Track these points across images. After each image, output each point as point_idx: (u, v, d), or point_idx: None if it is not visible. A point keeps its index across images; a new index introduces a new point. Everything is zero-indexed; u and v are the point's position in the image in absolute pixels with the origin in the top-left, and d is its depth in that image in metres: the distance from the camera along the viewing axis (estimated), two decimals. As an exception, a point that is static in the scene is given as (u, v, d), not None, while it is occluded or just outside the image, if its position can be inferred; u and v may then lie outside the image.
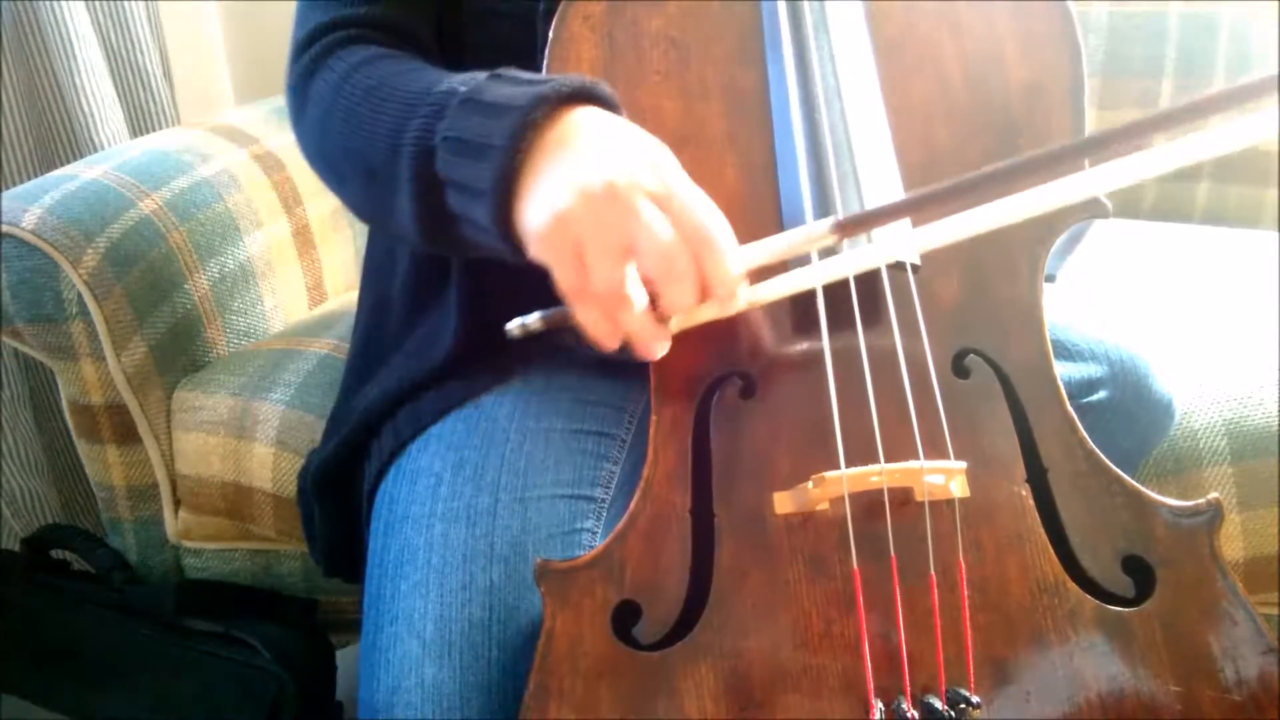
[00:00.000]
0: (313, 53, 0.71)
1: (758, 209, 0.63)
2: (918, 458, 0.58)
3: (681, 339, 0.61)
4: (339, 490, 0.80)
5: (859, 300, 0.60)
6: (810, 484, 0.57)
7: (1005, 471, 0.61)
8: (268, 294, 1.14)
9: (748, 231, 0.62)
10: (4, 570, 1.02)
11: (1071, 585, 0.59)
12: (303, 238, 1.21)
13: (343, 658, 1.02)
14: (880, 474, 0.57)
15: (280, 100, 1.31)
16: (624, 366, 0.84)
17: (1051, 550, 0.60)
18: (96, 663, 0.95)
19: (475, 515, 0.67)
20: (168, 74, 1.34)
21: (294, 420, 0.96)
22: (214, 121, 1.25)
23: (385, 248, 0.86)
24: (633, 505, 0.60)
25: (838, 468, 0.57)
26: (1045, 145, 0.64)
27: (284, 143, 1.22)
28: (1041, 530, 0.60)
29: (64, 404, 1.00)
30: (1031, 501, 0.60)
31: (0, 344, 1.18)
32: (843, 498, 0.58)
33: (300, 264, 1.21)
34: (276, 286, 1.16)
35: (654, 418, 0.61)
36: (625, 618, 0.57)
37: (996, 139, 0.65)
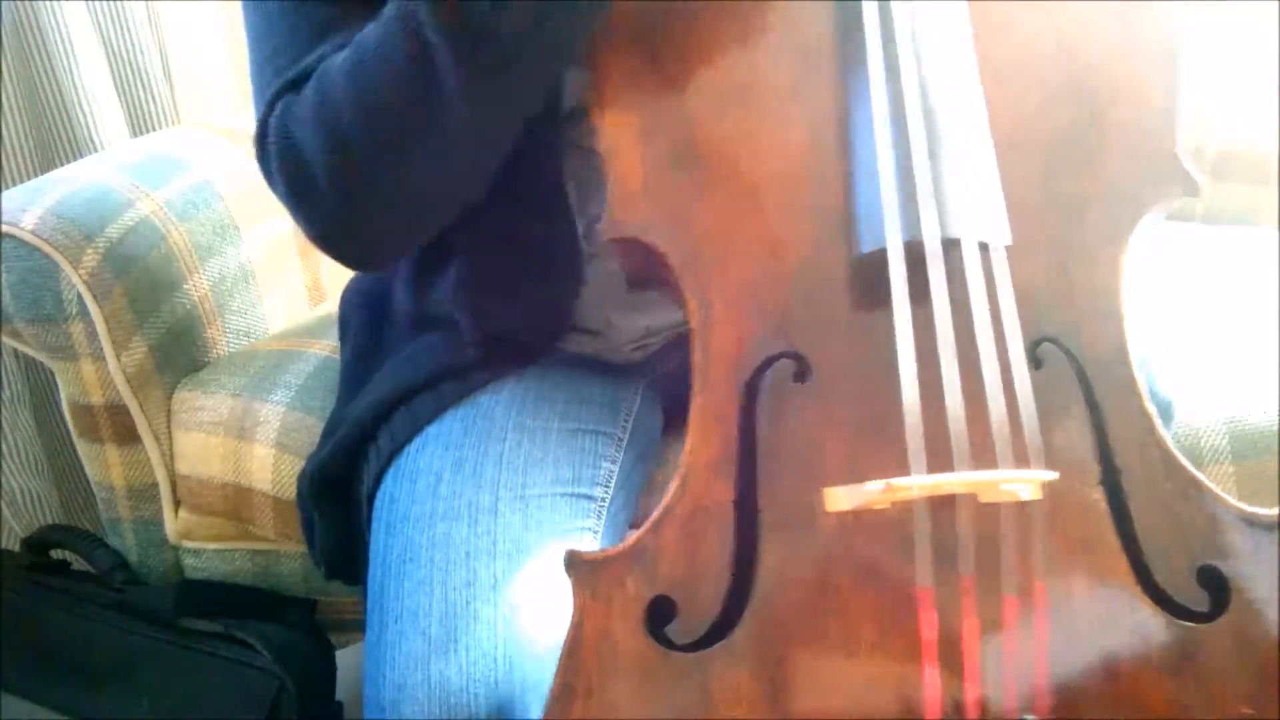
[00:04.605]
0: (274, 119, 0.64)
1: (822, 177, 0.57)
2: (995, 457, 0.53)
3: (730, 313, 0.56)
4: (337, 495, 0.80)
5: (942, 283, 0.54)
6: (879, 487, 0.52)
7: (1079, 473, 0.55)
8: (268, 294, 1.14)
9: (809, 198, 0.57)
10: (4, 570, 1.02)
11: (1143, 597, 0.54)
12: (303, 237, 1.21)
13: (343, 658, 1.02)
14: (965, 484, 0.52)
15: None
16: (617, 364, 0.84)
17: (1124, 559, 0.55)
18: (96, 663, 0.95)
19: (477, 513, 0.67)
20: (168, 74, 1.34)
21: (294, 422, 0.96)
22: (214, 122, 1.25)
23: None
24: (669, 495, 0.55)
25: (904, 467, 0.52)
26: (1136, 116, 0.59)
27: (284, 143, 1.22)
28: (1115, 537, 0.55)
29: (64, 404, 1.00)
30: (1106, 506, 0.56)
31: (0, 344, 1.18)
32: (906, 501, 0.53)
33: (300, 264, 1.21)
34: (276, 286, 1.16)
35: (696, 399, 0.56)
36: (659, 615, 0.53)
37: (1080, 108, 0.60)
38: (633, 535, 0.55)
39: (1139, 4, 0.61)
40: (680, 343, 0.85)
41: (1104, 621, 0.54)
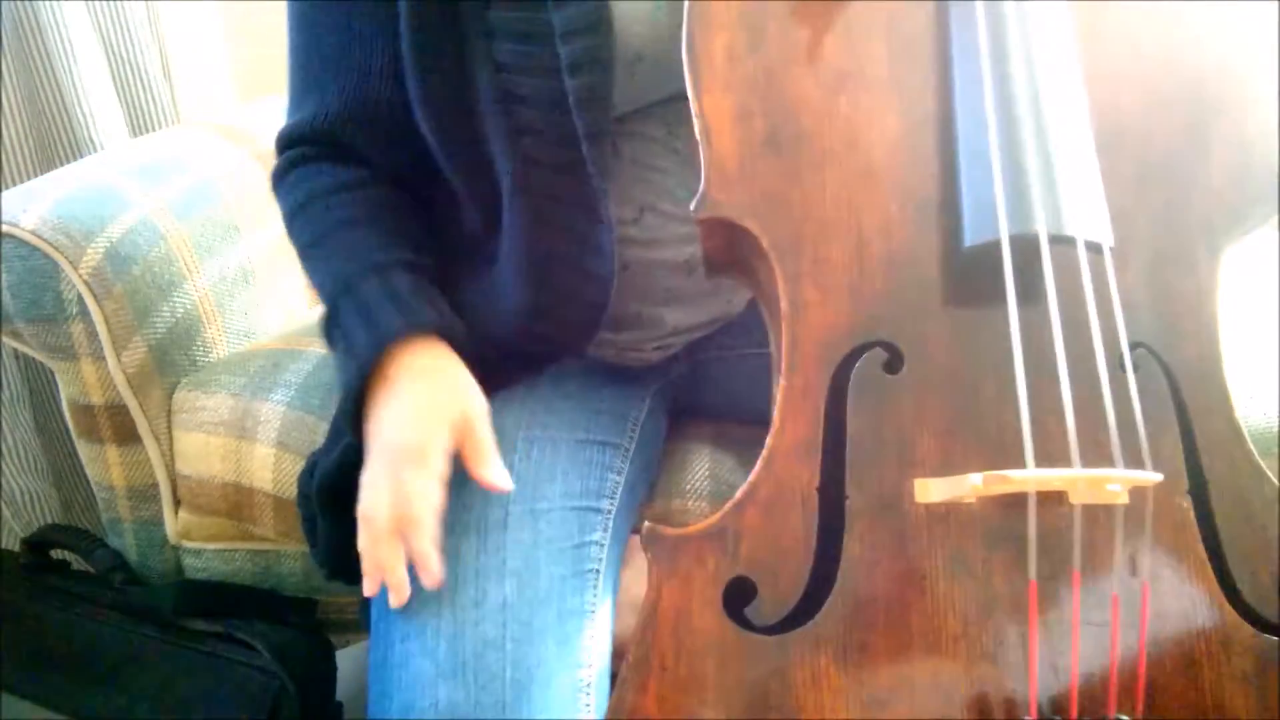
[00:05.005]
0: (279, 165, 0.79)
1: (920, 166, 0.57)
2: (1108, 456, 0.53)
3: (822, 298, 0.57)
4: (343, 496, 0.80)
5: (1023, 277, 0.54)
6: (977, 479, 0.51)
7: (1167, 481, 0.55)
8: (268, 294, 1.14)
9: (907, 186, 0.57)
10: (4, 570, 1.02)
11: (1228, 608, 0.54)
12: (303, 238, 1.21)
13: (343, 658, 1.02)
14: (1074, 480, 0.52)
15: (281, 99, 1.31)
16: (629, 371, 0.84)
17: (1210, 569, 0.55)
18: (96, 663, 0.95)
19: (486, 529, 0.66)
20: (168, 74, 1.34)
21: (294, 421, 0.96)
22: (214, 121, 1.25)
23: None
24: (753, 476, 0.55)
25: (989, 461, 0.52)
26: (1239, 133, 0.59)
27: (284, 143, 1.22)
28: (1201, 547, 0.55)
29: (64, 404, 1.00)
30: (1193, 515, 0.55)
31: (0, 344, 1.18)
32: (993, 497, 0.53)
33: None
34: (276, 286, 1.16)
35: (783, 382, 0.56)
36: (738, 595, 0.54)
37: (1185, 118, 0.59)
38: (716, 514, 0.55)
39: (1249, 14, 0.60)
40: (695, 345, 0.85)
41: (1191, 629, 0.54)
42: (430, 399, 0.65)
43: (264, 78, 1.43)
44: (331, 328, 0.70)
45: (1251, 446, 0.57)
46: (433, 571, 0.63)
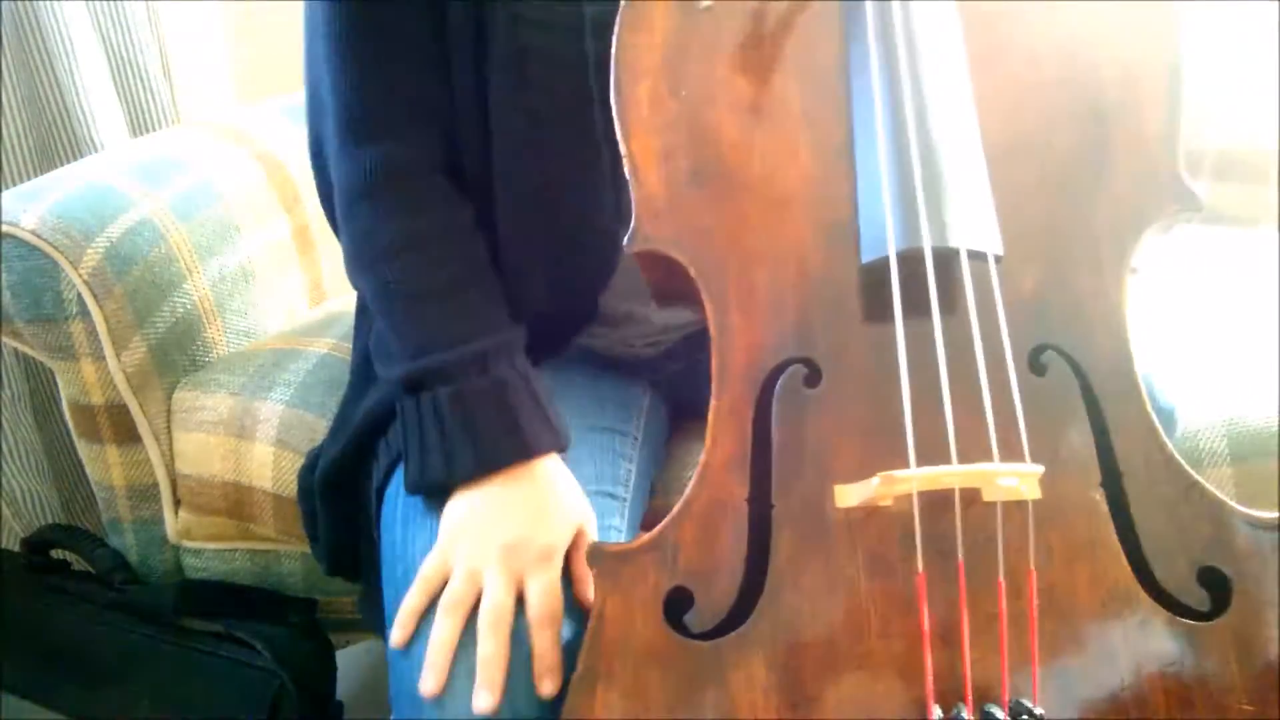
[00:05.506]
0: (368, 169, 0.72)
1: (831, 192, 0.61)
2: (991, 457, 0.56)
3: (746, 321, 0.60)
4: (344, 490, 0.80)
5: (936, 289, 0.58)
6: (876, 481, 0.54)
7: (1080, 475, 0.58)
8: (268, 294, 1.14)
9: (818, 211, 0.61)
10: (4, 570, 1.02)
11: (1144, 596, 0.56)
12: (303, 238, 1.21)
13: (343, 658, 1.02)
14: (956, 476, 0.55)
15: (281, 99, 1.31)
16: (627, 362, 0.84)
17: (1124, 559, 0.57)
18: (96, 663, 0.95)
19: None
20: (168, 74, 1.34)
21: (294, 419, 0.96)
22: (214, 121, 1.25)
23: None
24: (689, 491, 0.58)
25: (906, 465, 0.55)
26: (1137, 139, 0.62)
27: (284, 143, 1.22)
28: (1115, 537, 0.57)
29: (64, 404, 1.00)
30: (1106, 507, 0.58)
31: (0, 344, 1.18)
32: (908, 495, 0.55)
33: (300, 264, 1.21)
34: (276, 286, 1.16)
35: (713, 402, 0.60)
36: (677, 605, 0.56)
37: (1085, 125, 0.62)
38: (652, 530, 0.58)
39: (1141, 19, 0.63)
40: (691, 342, 0.85)
41: (1106, 619, 0.56)
42: (558, 503, 0.66)
43: (264, 78, 1.43)
44: (432, 383, 0.67)
45: (1166, 440, 0.59)
46: (555, 676, 0.60)
